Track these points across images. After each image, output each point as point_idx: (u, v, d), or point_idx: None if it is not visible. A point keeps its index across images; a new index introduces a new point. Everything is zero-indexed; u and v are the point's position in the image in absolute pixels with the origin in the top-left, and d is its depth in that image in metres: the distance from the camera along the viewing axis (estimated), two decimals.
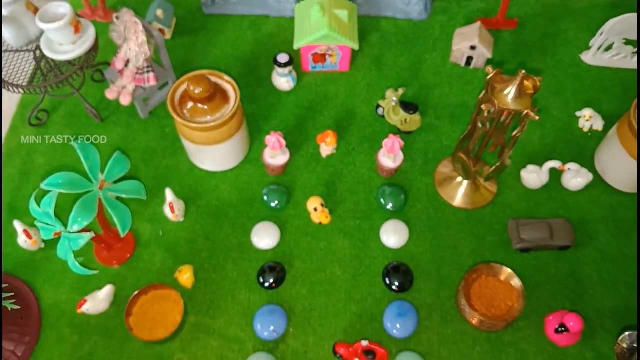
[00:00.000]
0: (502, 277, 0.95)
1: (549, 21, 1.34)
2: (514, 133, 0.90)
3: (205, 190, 1.10)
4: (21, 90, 1.04)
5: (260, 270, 1.00)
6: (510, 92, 0.85)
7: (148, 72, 1.11)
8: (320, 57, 1.22)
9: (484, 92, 0.89)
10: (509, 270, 0.95)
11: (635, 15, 1.15)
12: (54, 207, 0.84)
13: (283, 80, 1.21)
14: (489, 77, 0.88)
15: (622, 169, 1.06)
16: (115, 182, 0.89)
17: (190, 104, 1.00)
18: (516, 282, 0.94)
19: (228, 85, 1.04)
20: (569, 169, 1.07)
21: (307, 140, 1.16)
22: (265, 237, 1.03)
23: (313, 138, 1.15)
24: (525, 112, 0.85)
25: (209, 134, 1.01)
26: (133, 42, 1.05)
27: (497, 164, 0.98)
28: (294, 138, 1.15)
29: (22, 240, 1.00)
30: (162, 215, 1.06)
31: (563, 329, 0.89)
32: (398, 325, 0.94)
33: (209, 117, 1.00)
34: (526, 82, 0.87)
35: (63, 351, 0.94)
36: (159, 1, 1.26)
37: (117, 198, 0.89)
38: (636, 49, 1.23)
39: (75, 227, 0.82)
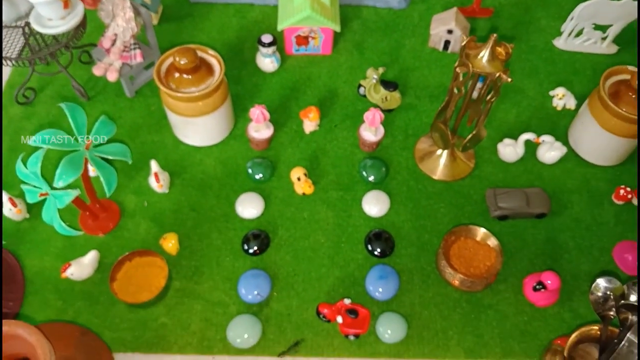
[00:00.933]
0: (479, 238, 0.98)
1: (522, 10, 1.41)
2: (488, 97, 0.94)
3: (190, 164, 1.12)
4: (9, 63, 1.06)
5: (245, 238, 1.02)
6: (484, 55, 0.89)
7: (134, 49, 1.13)
8: (303, 40, 1.26)
9: (459, 59, 0.93)
10: (485, 230, 0.97)
11: (604, 1, 1.21)
12: (40, 167, 0.86)
13: (267, 61, 1.24)
14: (463, 43, 0.92)
15: (594, 141, 1.11)
16: (101, 145, 0.91)
17: (176, 75, 1.03)
18: (493, 241, 0.96)
19: (213, 59, 1.07)
20: (543, 140, 1.11)
21: (290, 118, 1.19)
22: (249, 206, 1.05)
23: (296, 116, 1.18)
24: (498, 74, 0.89)
25: (194, 105, 1.04)
26: (120, 18, 1.09)
27: (473, 132, 1.02)
28: (277, 116, 1.18)
29: (7, 209, 1.00)
30: (147, 187, 1.08)
31: (540, 286, 0.92)
32: (380, 289, 0.95)
33: (193, 89, 1.03)
34: (498, 49, 0.91)
35: (47, 316, 0.93)
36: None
37: (103, 159, 0.91)
38: (605, 34, 1.30)
39: (61, 183, 0.83)
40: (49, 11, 1.02)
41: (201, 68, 1.04)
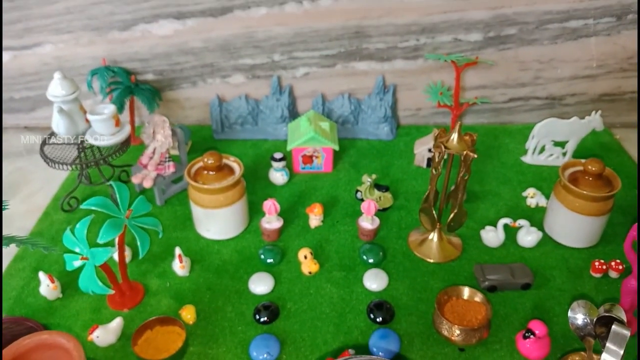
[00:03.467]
0: (467, 296, 1.07)
1: (492, 138, 1.67)
2: (461, 175, 1.13)
3: (209, 254, 1.26)
4: (64, 167, 1.28)
5: (256, 309, 1.11)
6: (454, 138, 1.10)
7: (168, 162, 1.36)
8: (308, 159, 1.50)
9: (433, 144, 1.14)
10: (471, 288, 1.08)
11: (555, 119, 1.48)
12: (86, 233, 1.01)
13: (278, 175, 1.46)
14: (436, 134, 1.14)
15: (565, 224, 1.25)
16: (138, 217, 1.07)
17: (203, 173, 1.24)
18: (479, 296, 1.06)
19: (234, 163, 1.29)
20: (519, 224, 1.26)
21: (297, 217, 1.36)
22: (260, 284, 1.16)
23: (303, 215, 1.36)
24: (466, 152, 1.09)
25: (216, 198, 1.22)
26: (160, 135, 1.34)
27: (455, 211, 1.18)
28: (287, 215, 1.35)
29: (45, 286, 1.12)
30: (170, 271, 1.21)
31: (529, 333, 0.99)
32: (383, 346, 1.02)
33: (217, 184, 1.23)
34: (465, 138, 1.13)
35: None
36: (179, 125, 1.58)
37: (139, 227, 1.06)
38: (564, 149, 1.53)
39: (102, 241, 0.97)
40: (103, 127, 1.28)
41: (224, 169, 1.26)
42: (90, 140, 1.29)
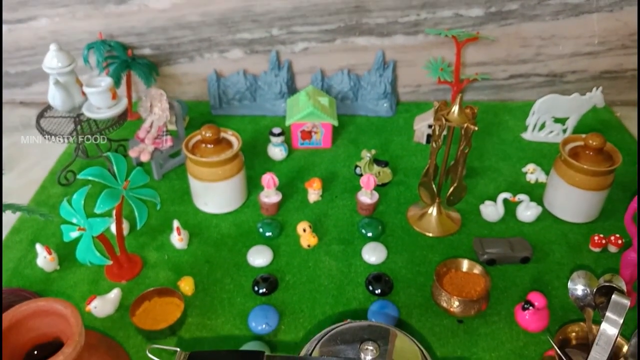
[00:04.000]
0: (465, 269, 1.07)
1: (492, 115, 1.66)
2: (461, 148, 1.12)
3: (207, 227, 1.26)
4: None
5: (255, 281, 1.11)
6: (454, 110, 1.09)
7: (165, 135, 1.35)
8: (307, 134, 1.48)
9: (434, 116, 1.13)
10: (470, 260, 1.07)
11: (556, 95, 1.47)
12: (83, 204, 1.00)
13: (277, 150, 1.45)
14: (436, 106, 1.13)
15: (565, 200, 1.25)
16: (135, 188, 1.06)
17: (201, 146, 1.23)
18: (478, 268, 1.06)
19: (232, 137, 1.28)
20: (519, 199, 1.26)
21: (296, 192, 1.36)
22: (259, 257, 1.16)
23: (302, 190, 1.35)
24: (466, 124, 1.08)
25: (214, 171, 1.22)
26: (157, 108, 1.32)
27: (455, 185, 1.18)
28: (285, 190, 1.35)
29: (42, 257, 1.12)
30: (168, 244, 1.20)
31: (528, 305, 0.99)
32: (381, 317, 1.02)
33: (215, 157, 1.21)
34: (466, 110, 1.12)
35: None
36: (176, 100, 1.57)
37: (137, 198, 1.05)
38: (565, 126, 1.52)
39: (100, 211, 0.97)
40: (99, 100, 1.26)
41: (222, 142, 1.24)
42: (87, 113, 1.28)
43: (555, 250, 1.19)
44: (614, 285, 0.82)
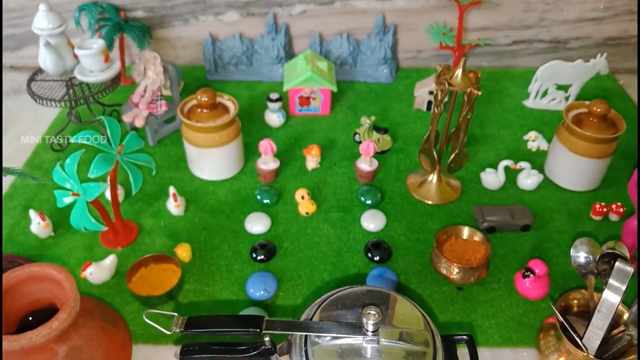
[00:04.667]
0: (466, 236, 1.06)
1: (493, 82, 1.63)
2: (464, 114, 1.10)
3: (204, 194, 1.24)
4: (52, 104, 1.23)
5: (252, 248, 1.10)
6: (457, 74, 1.06)
7: (160, 100, 1.32)
8: (305, 100, 1.45)
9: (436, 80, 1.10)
10: (470, 227, 1.06)
11: (559, 62, 1.43)
12: (76, 167, 0.98)
13: (274, 116, 1.42)
14: (439, 70, 1.10)
15: (567, 167, 1.23)
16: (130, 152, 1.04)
17: (197, 111, 1.20)
18: (479, 235, 1.05)
19: (229, 102, 1.24)
20: (520, 166, 1.24)
21: (294, 159, 1.33)
22: (257, 224, 1.14)
23: (300, 158, 1.33)
24: (469, 89, 1.06)
25: (210, 137, 1.19)
26: (151, 71, 1.28)
27: (456, 152, 1.16)
28: (283, 157, 1.32)
29: (36, 223, 1.10)
30: (164, 211, 1.18)
31: (529, 272, 0.98)
32: (380, 284, 1.01)
33: (211, 122, 1.19)
34: (470, 75, 1.09)
35: None
36: (170, 64, 1.52)
37: (132, 163, 1.03)
38: (567, 93, 1.49)
39: (93, 175, 0.94)
40: (91, 63, 1.22)
41: (218, 107, 1.21)
42: (79, 76, 1.24)
43: (556, 219, 1.18)
44: (618, 252, 0.81)
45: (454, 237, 1.07)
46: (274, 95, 1.40)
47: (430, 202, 1.22)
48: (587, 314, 0.87)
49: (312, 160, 1.29)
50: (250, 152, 1.34)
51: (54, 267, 0.74)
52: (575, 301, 0.90)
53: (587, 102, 1.21)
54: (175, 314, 0.65)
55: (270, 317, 0.97)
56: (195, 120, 1.19)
